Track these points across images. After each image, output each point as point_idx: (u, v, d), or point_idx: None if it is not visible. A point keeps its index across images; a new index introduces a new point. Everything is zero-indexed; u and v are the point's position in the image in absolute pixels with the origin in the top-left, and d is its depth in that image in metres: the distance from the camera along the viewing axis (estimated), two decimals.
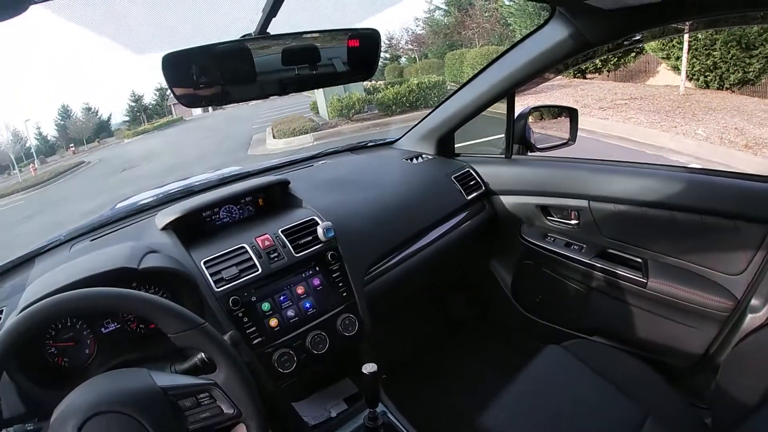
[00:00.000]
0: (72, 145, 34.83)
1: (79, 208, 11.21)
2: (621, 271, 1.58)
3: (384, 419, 1.42)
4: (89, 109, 38.68)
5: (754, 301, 1.37)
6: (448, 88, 12.91)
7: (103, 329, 1.17)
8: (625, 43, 1.41)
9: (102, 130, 38.28)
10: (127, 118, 40.33)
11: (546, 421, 1.25)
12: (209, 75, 0.84)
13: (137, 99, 40.45)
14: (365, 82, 13.82)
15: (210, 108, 37.23)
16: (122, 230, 1.49)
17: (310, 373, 1.33)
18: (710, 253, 1.44)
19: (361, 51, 0.94)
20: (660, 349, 1.57)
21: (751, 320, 1.37)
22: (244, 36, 0.87)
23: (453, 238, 1.75)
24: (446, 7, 21.14)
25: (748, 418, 1.12)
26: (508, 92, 1.72)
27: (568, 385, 1.31)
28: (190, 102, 0.86)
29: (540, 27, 1.45)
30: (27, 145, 34.90)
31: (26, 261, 1.42)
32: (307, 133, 11.94)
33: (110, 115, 40.36)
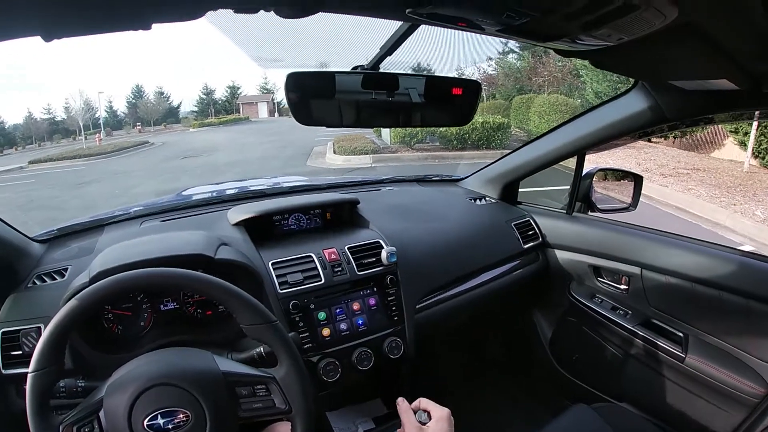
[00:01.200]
0: (139, 124, 36.22)
1: (135, 185, 11.64)
2: (661, 343, 1.58)
3: None
4: (161, 93, 40.24)
5: None
6: (512, 132, 12.78)
7: (162, 306, 1.25)
8: (690, 128, 1.40)
9: (170, 115, 39.59)
10: (195, 109, 41.64)
11: None
12: (301, 92, 0.89)
13: (209, 92, 41.87)
14: None
15: (276, 113, 38.10)
16: (192, 218, 1.58)
17: (348, 386, 1.36)
18: (751, 338, 1.42)
19: (463, 99, 0.99)
20: (686, 426, 1.55)
21: None
22: (354, 67, 0.92)
23: (504, 283, 1.78)
24: (520, 51, 21.09)
25: None
26: (579, 152, 1.75)
27: None
28: (296, 114, 0.91)
29: (620, 95, 1.48)
30: (96, 115, 36.53)
31: (95, 227, 1.52)
32: (367, 153, 12.05)
33: (180, 102, 41.72)
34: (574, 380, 1.94)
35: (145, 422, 0.78)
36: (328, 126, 0.97)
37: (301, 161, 12.86)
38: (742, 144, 9.42)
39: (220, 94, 42.28)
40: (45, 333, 0.80)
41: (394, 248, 1.44)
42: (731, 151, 10.28)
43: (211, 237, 1.30)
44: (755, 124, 8.51)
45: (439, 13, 0.66)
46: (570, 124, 1.73)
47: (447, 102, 1.00)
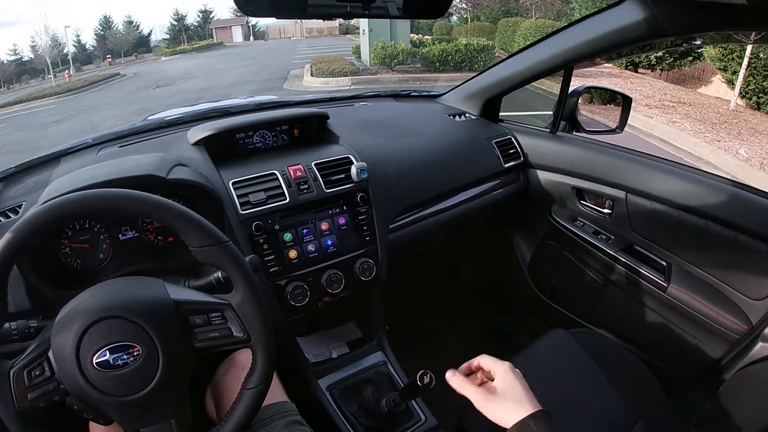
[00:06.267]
0: (109, 56, 35.17)
1: (106, 119, 11.42)
2: (643, 270, 1.54)
3: (383, 369, 1.43)
4: (131, 22, 38.81)
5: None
6: (497, 54, 12.61)
7: (120, 236, 1.17)
8: (684, 45, 1.31)
9: (141, 45, 38.47)
10: (167, 36, 40.47)
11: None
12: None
13: (180, 18, 40.48)
14: (412, 35, 13.46)
15: (251, 37, 37.14)
16: (152, 141, 1.48)
17: (318, 310, 1.33)
18: (736, 272, 1.39)
19: None
20: (665, 357, 1.54)
21: (761, 348, 1.31)
22: None
23: (482, 203, 1.72)
24: None
25: None
26: (567, 65, 1.63)
27: (567, 371, 1.28)
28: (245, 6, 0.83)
29: (614, 5, 1.36)
30: (65, 51, 35.56)
31: (51, 159, 1.42)
32: (345, 75, 11.85)
33: (151, 30, 40.54)
34: (552, 305, 1.93)
35: (94, 360, 0.71)
36: None
37: (278, 84, 12.66)
38: (730, 82, 9.35)
39: (192, 19, 41.05)
40: None
41: (364, 164, 1.35)
42: (718, 88, 10.22)
43: (166, 158, 1.21)
44: (745, 62, 8.40)
45: None
46: (558, 35, 1.58)
47: None
